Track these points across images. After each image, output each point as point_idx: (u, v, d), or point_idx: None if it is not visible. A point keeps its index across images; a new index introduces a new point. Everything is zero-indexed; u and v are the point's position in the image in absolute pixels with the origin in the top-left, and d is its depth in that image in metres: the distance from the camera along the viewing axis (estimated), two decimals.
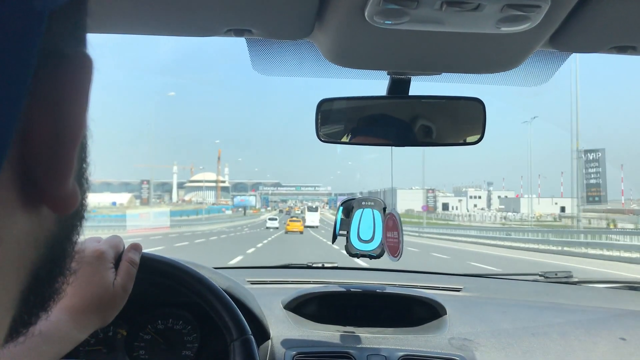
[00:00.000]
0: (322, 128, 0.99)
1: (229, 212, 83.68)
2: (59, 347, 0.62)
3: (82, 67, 0.24)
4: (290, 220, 34.97)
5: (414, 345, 1.16)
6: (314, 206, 59.11)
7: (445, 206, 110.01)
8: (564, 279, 1.78)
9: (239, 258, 12.99)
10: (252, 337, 0.85)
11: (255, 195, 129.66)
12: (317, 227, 47.58)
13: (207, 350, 1.07)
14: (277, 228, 39.86)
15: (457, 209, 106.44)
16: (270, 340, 1.08)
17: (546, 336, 1.22)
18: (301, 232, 31.54)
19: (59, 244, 0.27)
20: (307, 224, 50.60)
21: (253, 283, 1.56)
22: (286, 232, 31.15)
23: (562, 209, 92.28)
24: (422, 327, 1.27)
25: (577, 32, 0.71)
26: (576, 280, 1.78)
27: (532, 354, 1.15)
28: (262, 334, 1.04)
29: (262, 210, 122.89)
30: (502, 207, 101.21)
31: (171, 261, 0.86)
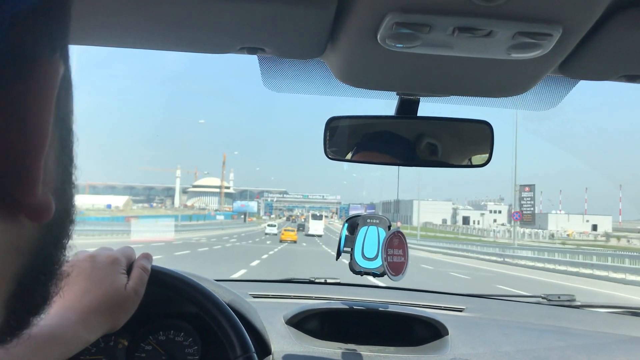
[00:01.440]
0: (330, 145, 1.06)
1: (220, 217, 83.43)
2: (66, 349, 0.64)
3: (45, 73, 0.24)
4: (285, 230, 41.12)
5: None
6: (318, 215, 59.43)
7: (465, 220, 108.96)
8: (567, 302, 1.82)
9: None
10: (255, 355, 0.90)
11: (257, 202, 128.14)
12: (320, 235, 49.67)
13: None
14: (275, 234, 47.87)
15: (478, 223, 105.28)
16: (271, 356, 1.15)
17: None
18: (295, 241, 36.70)
19: (44, 251, 0.28)
20: (310, 232, 52.67)
21: (255, 297, 1.62)
22: (281, 241, 36.59)
23: (594, 227, 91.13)
24: (424, 347, 1.33)
25: (587, 60, 0.76)
26: (579, 304, 1.82)
27: None
28: (264, 349, 1.09)
29: (265, 217, 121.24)
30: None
31: (175, 273, 0.91)
